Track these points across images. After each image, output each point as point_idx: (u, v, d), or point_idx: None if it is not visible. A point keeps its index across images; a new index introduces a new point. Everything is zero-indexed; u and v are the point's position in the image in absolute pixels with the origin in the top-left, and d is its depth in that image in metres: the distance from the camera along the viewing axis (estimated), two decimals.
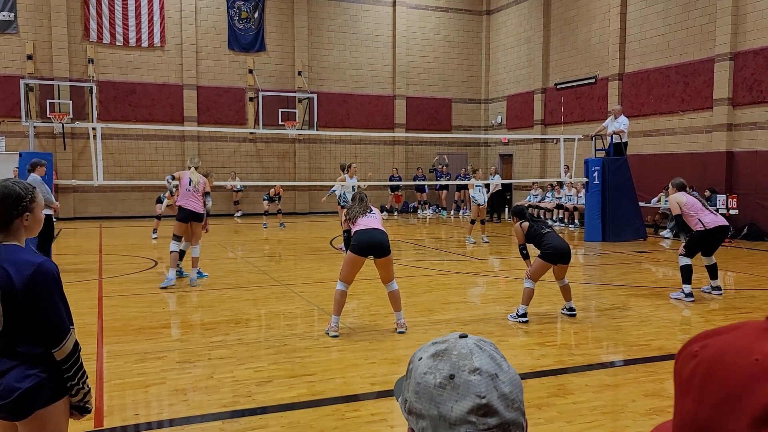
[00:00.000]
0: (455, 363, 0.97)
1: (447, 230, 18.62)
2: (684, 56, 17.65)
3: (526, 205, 13.09)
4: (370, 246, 6.51)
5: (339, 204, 13.82)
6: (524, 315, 7.24)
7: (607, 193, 15.16)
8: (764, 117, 15.62)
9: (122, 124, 20.10)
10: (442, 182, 22.73)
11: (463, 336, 1.03)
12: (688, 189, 8.81)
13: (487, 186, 17.10)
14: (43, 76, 20.27)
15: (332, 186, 14.34)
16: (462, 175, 22.39)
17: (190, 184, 9.45)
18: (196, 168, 9.69)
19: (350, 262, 6.58)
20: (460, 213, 23.33)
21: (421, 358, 1.01)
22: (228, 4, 22.65)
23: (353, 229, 6.72)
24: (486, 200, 14.97)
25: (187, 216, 9.37)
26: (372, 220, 6.72)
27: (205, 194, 9.67)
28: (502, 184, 23.65)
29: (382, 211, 22.83)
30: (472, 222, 15.04)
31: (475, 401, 0.94)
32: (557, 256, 7.19)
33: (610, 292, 8.98)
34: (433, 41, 25.79)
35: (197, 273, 9.81)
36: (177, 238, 9.39)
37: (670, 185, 8.95)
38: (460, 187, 23.03)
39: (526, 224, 7.40)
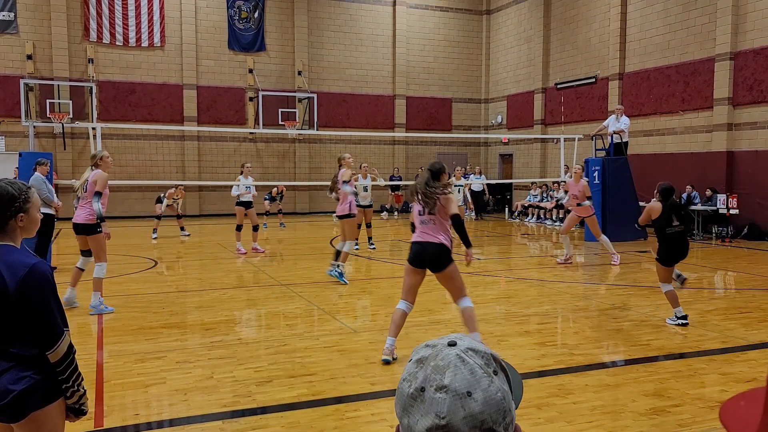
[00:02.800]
0: (428, 376, 0.96)
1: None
2: (684, 56, 17.64)
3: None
4: (422, 259, 5.55)
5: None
6: (683, 317, 6.96)
7: (607, 193, 15.14)
8: (764, 117, 15.61)
9: (122, 124, 20.10)
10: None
11: (452, 344, 0.99)
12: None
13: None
14: (43, 76, 20.26)
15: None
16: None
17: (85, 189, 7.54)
18: (95, 165, 7.55)
19: (405, 272, 5.67)
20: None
21: (411, 360, 1.01)
22: (228, 4, 22.64)
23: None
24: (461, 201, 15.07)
25: (73, 228, 7.61)
26: (427, 229, 5.53)
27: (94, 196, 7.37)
28: (503, 184, 23.70)
29: (381, 211, 22.85)
30: None
31: (434, 421, 0.92)
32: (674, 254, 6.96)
33: (610, 292, 8.97)
34: (433, 41, 25.79)
35: (99, 300, 7.55)
36: (82, 252, 7.76)
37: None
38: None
39: (658, 205, 7.02)
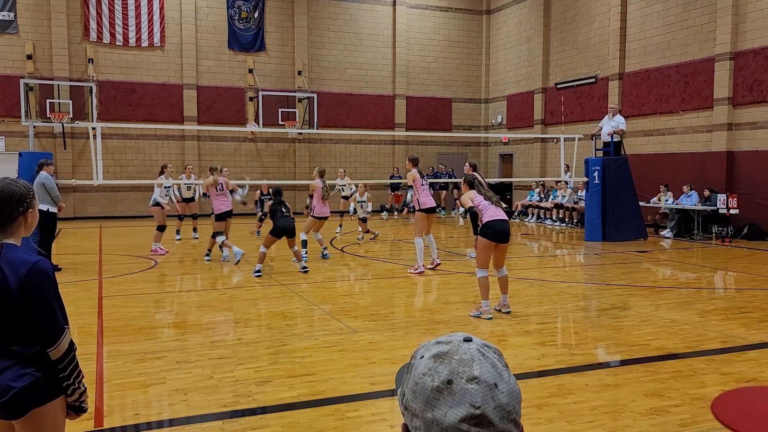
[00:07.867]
0: (455, 368, 0.97)
1: (446, 230, 18.61)
2: (684, 56, 17.64)
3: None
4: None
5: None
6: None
7: (607, 192, 15.13)
8: (764, 117, 15.60)
9: (122, 124, 20.09)
10: (441, 182, 22.73)
11: (468, 339, 1.02)
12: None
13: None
14: (43, 76, 20.26)
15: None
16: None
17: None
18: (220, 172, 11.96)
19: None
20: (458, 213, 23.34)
21: (423, 357, 1.01)
22: (228, 4, 22.64)
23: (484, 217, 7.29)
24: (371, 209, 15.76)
25: (227, 214, 11.90)
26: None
27: None
28: (503, 184, 23.69)
29: (381, 211, 22.87)
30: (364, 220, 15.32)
31: (469, 410, 0.94)
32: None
33: (610, 292, 8.97)
34: (433, 41, 25.78)
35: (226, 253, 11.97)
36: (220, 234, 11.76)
37: (467, 164, 11.07)
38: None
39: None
